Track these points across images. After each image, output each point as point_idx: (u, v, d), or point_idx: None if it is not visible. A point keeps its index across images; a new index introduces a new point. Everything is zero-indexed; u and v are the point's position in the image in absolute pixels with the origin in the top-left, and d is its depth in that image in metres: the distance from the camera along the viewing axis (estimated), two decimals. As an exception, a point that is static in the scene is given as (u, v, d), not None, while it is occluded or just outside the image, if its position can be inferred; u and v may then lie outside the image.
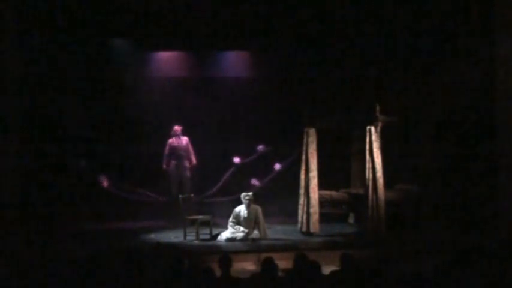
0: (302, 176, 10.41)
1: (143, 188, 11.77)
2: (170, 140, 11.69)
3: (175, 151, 11.67)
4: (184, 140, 11.72)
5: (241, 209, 10.02)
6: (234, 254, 7.39)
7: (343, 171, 11.79)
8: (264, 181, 11.86)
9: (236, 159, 11.98)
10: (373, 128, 10.09)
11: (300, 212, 10.47)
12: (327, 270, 5.89)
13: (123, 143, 12.12)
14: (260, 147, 11.97)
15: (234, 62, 12.88)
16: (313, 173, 10.29)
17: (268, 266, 5.64)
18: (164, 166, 11.67)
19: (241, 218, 9.96)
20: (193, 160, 11.74)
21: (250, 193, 10.14)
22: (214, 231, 10.15)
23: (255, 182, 11.79)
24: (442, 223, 10.40)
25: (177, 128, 11.67)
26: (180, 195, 10.64)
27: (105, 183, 11.46)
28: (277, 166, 11.98)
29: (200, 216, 10.23)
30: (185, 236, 10.03)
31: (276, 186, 12.00)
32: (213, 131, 12.35)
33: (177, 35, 11.76)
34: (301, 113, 10.58)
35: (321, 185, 10.49)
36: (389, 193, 10.42)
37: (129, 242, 9.87)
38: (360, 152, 10.61)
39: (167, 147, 11.68)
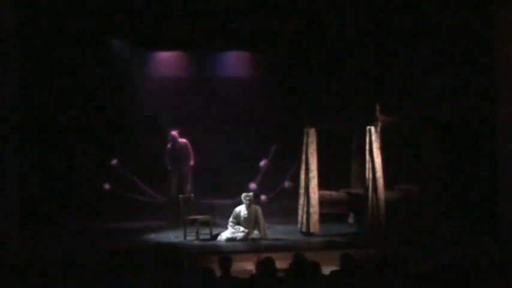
0: (302, 176, 10.41)
1: (144, 188, 11.81)
2: (168, 148, 11.65)
3: (175, 156, 11.68)
4: (183, 143, 11.69)
5: (242, 209, 10.02)
6: (234, 254, 7.39)
7: (343, 171, 11.78)
8: (270, 196, 11.85)
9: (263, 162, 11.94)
10: (373, 128, 10.09)
11: (300, 212, 10.46)
12: (327, 270, 5.88)
13: (123, 143, 12.13)
14: (263, 163, 11.96)
15: (234, 62, 12.87)
16: (313, 173, 10.29)
17: (264, 266, 5.63)
18: (169, 168, 11.71)
19: (242, 218, 9.96)
20: (191, 162, 11.71)
21: (250, 193, 10.15)
22: (214, 231, 10.15)
23: (253, 186, 11.81)
24: (442, 223, 10.40)
25: (174, 133, 11.61)
26: (180, 195, 10.65)
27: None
28: (263, 163, 11.92)
29: (200, 216, 10.23)
30: (185, 236, 10.03)
31: (280, 190, 12.03)
32: (213, 131, 12.35)
33: (177, 35, 11.75)
34: (301, 113, 10.58)
35: (321, 185, 10.49)
36: (389, 193, 10.41)
37: (129, 242, 9.87)
38: (360, 152, 10.61)
39: (167, 157, 11.69)
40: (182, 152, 11.67)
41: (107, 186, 11.58)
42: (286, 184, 11.74)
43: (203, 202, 11.53)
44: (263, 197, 11.60)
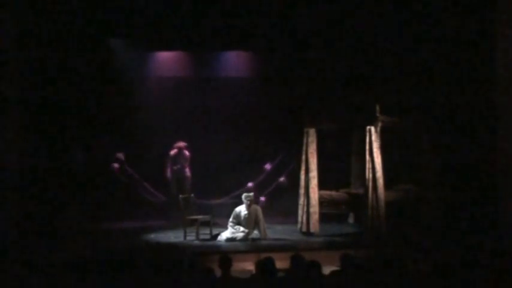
0: (302, 176, 10.42)
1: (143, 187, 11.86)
2: (172, 154, 11.72)
3: (177, 164, 11.77)
4: (186, 154, 11.79)
5: (242, 209, 10.01)
6: (234, 254, 7.39)
7: (343, 171, 11.78)
8: (267, 193, 11.99)
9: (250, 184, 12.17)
10: (373, 128, 10.09)
11: (300, 212, 10.47)
12: (327, 270, 5.88)
13: (124, 143, 12.13)
14: (267, 166, 12.17)
15: (234, 62, 12.87)
16: (313, 173, 10.30)
17: (264, 266, 5.63)
18: (168, 175, 11.79)
19: (242, 218, 9.96)
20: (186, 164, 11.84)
21: (251, 193, 10.15)
22: (214, 231, 10.15)
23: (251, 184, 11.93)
24: (442, 223, 10.40)
25: (182, 144, 11.79)
26: (180, 195, 10.65)
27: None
28: (268, 166, 12.10)
29: (200, 216, 10.24)
30: (185, 236, 10.03)
31: (276, 185, 12.04)
32: (213, 130, 12.35)
33: (177, 35, 11.75)
34: (301, 113, 10.57)
35: (321, 185, 10.49)
36: (389, 193, 10.41)
37: (129, 242, 9.88)
38: (360, 152, 10.61)
39: (169, 163, 11.75)
40: (183, 160, 11.77)
41: (116, 165, 11.73)
42: (281, 179, 11.84)
43: (203, 202, 11.57)
44: (262, 199, 11.66)
